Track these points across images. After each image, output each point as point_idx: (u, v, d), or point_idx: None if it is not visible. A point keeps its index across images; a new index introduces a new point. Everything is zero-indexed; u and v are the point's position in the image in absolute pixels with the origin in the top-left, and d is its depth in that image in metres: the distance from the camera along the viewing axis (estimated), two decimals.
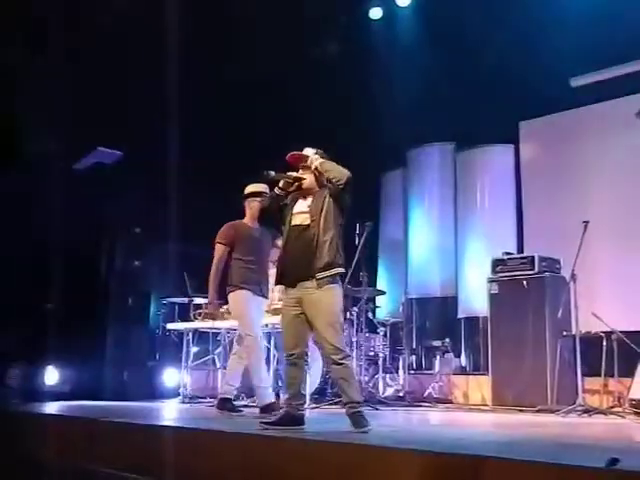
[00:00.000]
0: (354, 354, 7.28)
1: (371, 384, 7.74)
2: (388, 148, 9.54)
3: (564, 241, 7.00)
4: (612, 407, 6.43)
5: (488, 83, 8.32)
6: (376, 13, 9.23)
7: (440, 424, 5.86)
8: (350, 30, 8.98)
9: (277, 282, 4.55)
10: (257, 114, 8.70)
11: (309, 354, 7.24)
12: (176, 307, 8.33)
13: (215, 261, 5.89)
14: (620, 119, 8.09)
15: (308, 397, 6.85)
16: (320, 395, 7.32)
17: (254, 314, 5.78)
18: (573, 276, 6.48)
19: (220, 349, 7.37)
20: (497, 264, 7.41)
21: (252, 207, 5.91)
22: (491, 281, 7.40)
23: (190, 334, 7.54)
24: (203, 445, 4.01)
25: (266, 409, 5.45)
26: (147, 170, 7.46)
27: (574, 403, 6.30)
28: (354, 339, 7.62)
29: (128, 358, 8.22)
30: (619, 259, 7.68)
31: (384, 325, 8.08)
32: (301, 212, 4.46)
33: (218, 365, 7.45)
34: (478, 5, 7.98)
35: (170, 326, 7.95)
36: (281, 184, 4.55)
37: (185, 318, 7.82)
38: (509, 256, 7.46)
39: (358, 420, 4.16)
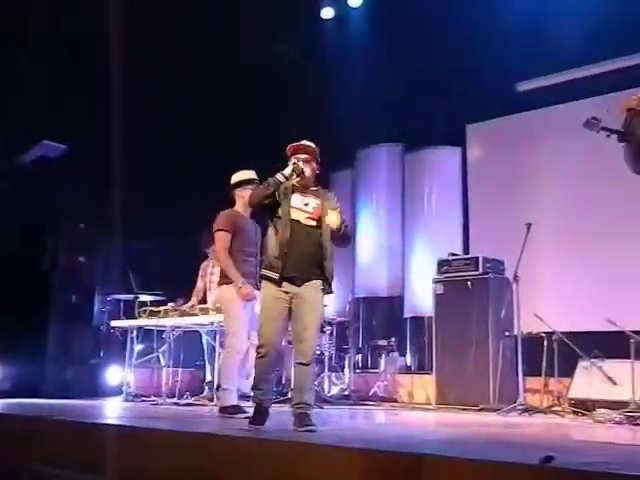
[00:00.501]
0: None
1: (316, 383, 7.75)
2: (337, 148, 9.55)
3: (508, 243, 7.11)
4: (552, 406, 6.56)
5: (437, 85, 8.43)
6: (328, 13, 9.26)
7: (383, 423, 5.90)
8: (301, 29, 8.98)
9: (272, 274, 4.28)
10: (205, 112, 8.64)
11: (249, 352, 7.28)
12: (121, 304, 8.21)
13: (221, 250, 5.56)
14: (564, 124, 8.26)
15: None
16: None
17: (243, 311, 5.48)
18: (516, 277, 6.61)
19: (165, 347, 7.29)
20: (442, 265, 7.51)
21: (244, 196, 5.50)
22: (436, 281, 7.49)
23: (134, 332, 7.45)
24: (144, 443, 3.97)
25: (225, 410, 5.30)
26: (92, 164, 7.35)
27: (515, 402, 6.43)
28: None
29: (71, 355, 8.07)
30: (561, 261, 7.85)
31: (330, 324, 8.10)
32: (301, 209, 4.32)
33: (163, 363, 7.37)
34: (428, 8, 8.06)
35: (114, 323, 7.84)
36: (287, 170, 4.36)
37: (130, 315, 7.72)
38: (454, 257, 7.57)
39: (304, 419, 4.12)
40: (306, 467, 3.28)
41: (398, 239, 9.48)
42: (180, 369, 7.58)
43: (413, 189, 9.45)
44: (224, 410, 5.31)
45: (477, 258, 7.29)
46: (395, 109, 8.69)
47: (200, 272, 7.72)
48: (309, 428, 4.02)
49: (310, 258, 4.25)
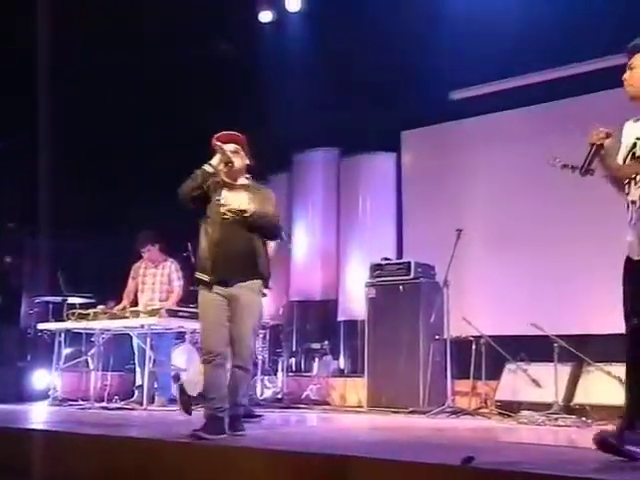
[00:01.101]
0: None
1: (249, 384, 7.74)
2: (274, 151, 9.57)
3: (440, 248, 7.23)
4: (479, 408, 6.71)
5: (373, 92, 8.51)
6: (266, 17, 9.25)
7: (314, 426, 5.93)
8: (239, 32, 8.96)
9: (203, 276, 4.16)
10: (140, 112, 8.54)
11: (186, 355, 7.23)
12: (50, 306, 8.03)
13: None
14: (496, 133, 8.49)
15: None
16: (196, 396, 7.25)
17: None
18: (445, 282, 6.75)
19: (94, 350, 7.17)
20: (375, 269, 7.60)
21: None
22: (369, 285, 7.58)
23: (62, 334, 7.30)
24: (69, 448, 3.91)
25: None
26: (22, 164, 7.19)
27: (444, 404, 6.55)
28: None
29: None
30: (489, 266, 8.01)
31: (264, 327, 8.09)
32: (230, 205, 4.14)
33: (91, 367, 7.24)
34: (366, 15, 8.14)
35: (42, 326, 7.66)
36: (214, 160, 4.18)
37: (59, 318, 7.56)
38: (387, 262, 7.66)
39: (236, 424, 4.09)
40: (235, 470, 3.28)
41: (333, 243, 9.54)
42: (109, 373, 7.47)
43: (348, 194, 9.52)
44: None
45: (409, 263, 7.41)
46: (331, 114, 8.74)
47: (132, 273, 7.63)
48: (241, 433, 4.01)
49: (242, 257, 4.10)
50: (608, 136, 3.52)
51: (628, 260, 3.49)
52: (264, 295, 4.38)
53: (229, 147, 4.24)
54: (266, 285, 4.32)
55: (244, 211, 4.08)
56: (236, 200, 4.13)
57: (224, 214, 4.11)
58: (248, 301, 4.10)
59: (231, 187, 4.23)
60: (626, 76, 3.57)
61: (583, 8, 7.02)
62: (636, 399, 3.49)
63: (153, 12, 7.96)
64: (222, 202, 4.13)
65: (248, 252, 4.11)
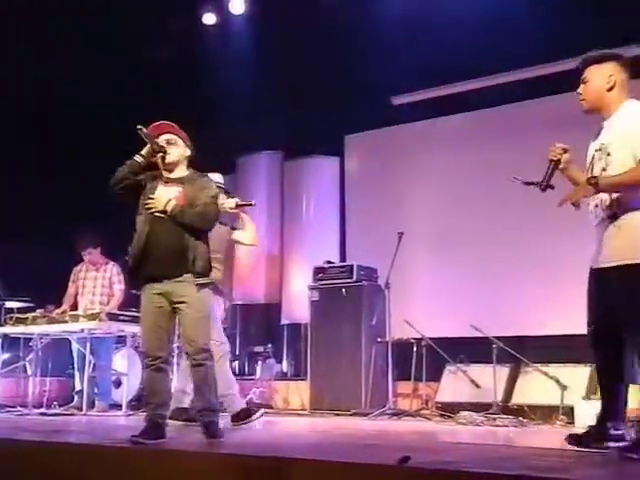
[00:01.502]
0: (175, 359, 7.20)
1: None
2: (218, 154, 9.53)
3: (382, 251, 7.30)
4: (420, 410, 6.80)
5: (317, 96, 8.55)
6: (209, 19, 9.20)
7: (255, 428, 5.90)
8: (181, 34, 8.89)
9: (135, 276, 4.05)
10: (77, 113, 8.42)
11: (127, 359, 7.14)
12: None
13: None
14: (437, 138, 8.63)
15: (125, 404, 6.73)
16: (138, 402, 7.18)
17: (214, 312, 5.18)
18: (387, 285, 6.83)
19: (32, 355, 7.03)
20: (318, 272, 7.65)
21: None
22: (312, 288, 7.61)
23: (0, 340, 7.15)
24: (5, 455, 3.82)
25: (238, 418, 5.18)
26: None
27: (385, 406, 6.62)
28: (175, 345, 7.53)
29: None
30: (431, 269, 8.13)
31: None
32: (153, 204, 3.97)
33: (29, 372, 7.10)
34: (309, 19, 8.18)
35: None
36: (144, 150, 4.02)
37: None
38: (330, 265, 7.72)
39: (216, 430, 3.86)
40: (175, 473, 3.26)
41: (276, 246, 9.55)
42: (48, 378, 7.35)
43: (292, 197, 9.55)
44: (236, 418, 5.15)
45: (352, 266, 7.48)
46: (275, 118, 8.75)
47: (72, 277, 7.52)
48: (216, 440, 3.78)
49: (172, 253, 3.91)
50: (565, 151, 3.63)
51: (590, 268, 3.58)
52: (214, 289, 4.23)
53: (165, 137, 4.09)
54: (204, 277, 4.02)
55: (164, 211, 3.93)
56: (165, 196, 3.96)
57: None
58: (185, 296, 3.91)
59: (167, 181, 4.07)
60: (580, 90, 3.63)
61: (524, 14, 7.20)
62: (604, 399, 3.56)
63: (97, 12, 7.86)
64: (152, 198, 3.98)
65: (178, 248, 3.92)
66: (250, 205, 5.87)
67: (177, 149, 4.12)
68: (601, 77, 3.53)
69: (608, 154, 3.48)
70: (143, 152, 4.03)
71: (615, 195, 3.40)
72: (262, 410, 5.30)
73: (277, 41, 8.51)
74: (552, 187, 3.54)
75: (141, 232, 3.97)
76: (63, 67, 7.99)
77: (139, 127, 3.97)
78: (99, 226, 7.65)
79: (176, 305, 3.94)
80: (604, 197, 3.46)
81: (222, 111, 8.63)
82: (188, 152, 4.19)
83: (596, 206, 3.52)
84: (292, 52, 8.42)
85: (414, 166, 8.74)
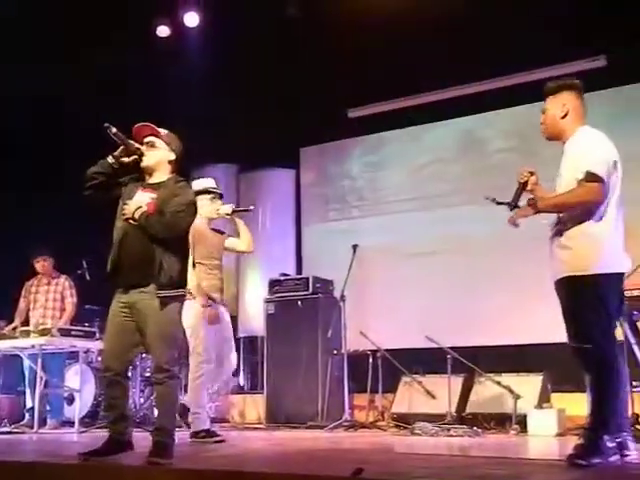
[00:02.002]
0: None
1: (146, 406, 7.58)
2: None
3: (338, 263, 7.32)
4: (376, 421, 6.82)
5: (273, 108, 8.56)
6: (163, 31, 9.13)
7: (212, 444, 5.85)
8: (136, 46, 8.82)
9: (111, 282, 3.87)
10: (36, 119, 8.32)
11: (79, 375, 7.02)
12: None
13: None
14: (392, 150, 8.72)
15: (77, 421, 6.61)
16: (91, 418, 7.08)
17: (206, 328, 5.29)
18: (343, 297, 6.85)
19: None
20: (274, 285, 7.63)
21: (201, 206, 5.09)
22: (268, 301, 7.59)
23: None
24: None
25: (197, 435, 5.22)
26: None
27: (341, 418, 6.62)
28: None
29: None
30: (386, 281, 8.18)
31: None
32: (124, 212, 3.80)
33: None
34: (264, 31, 8.19)
35: None
36: (118, 151, 3.81)
37: None
38: (285, 277, 7.71)
39: (159, 451, 3.57)
40: None
41: (232, 259, 9.49)
42: None
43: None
44: (195, 435, 5.19)
45: (307, 278, 7.49)
46: (230, 130, 8.74)
47: (23, 292, 7.40)
48: (156, 461, 3.47)
49: (142, 262, 3.72)
50: (532, 174, 3.84)
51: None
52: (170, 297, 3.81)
53: (147, 139, 3.90)
54: (171, 289, 3.76)
55: (132, 218, 3.76)
56: (137, 202, 3.79)
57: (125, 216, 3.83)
58: (147, 308, 3.70)
59: (145, 186, 3.88)
60: (541, 119, 3.87)
61: (477, 27, 7.33)
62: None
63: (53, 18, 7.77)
64: (126, 204, 3.81)
65: (144, 257, 3.72)
66: (247, 211, 5.93)
67: (156, 152, 3.90)
68: (556, 106, 3.79)
69: (560, 176, 3.73)
70: (116, 152, 3.83)
71: (561, 214, 3.65)
72: (222, 438, 5.26)
73: (232, 54, 8.50)
74: (519, 207, 3.75)
75: (115, 240, 3.84)
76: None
77: (106, 125, 3.76)
78: (52, 238, 7.54)
79: (138, 315, 3.75)
80: (553, 216, 3.69)
81: (176, 123, 8.55)
82: (171, 156, 3.95)
83: (549, 225, 3.73)
84: (247, 64, 8.43)
85: (368, 178, 8.82)
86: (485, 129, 8.29)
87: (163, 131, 4.00)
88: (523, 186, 3.84)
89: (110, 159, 3.83)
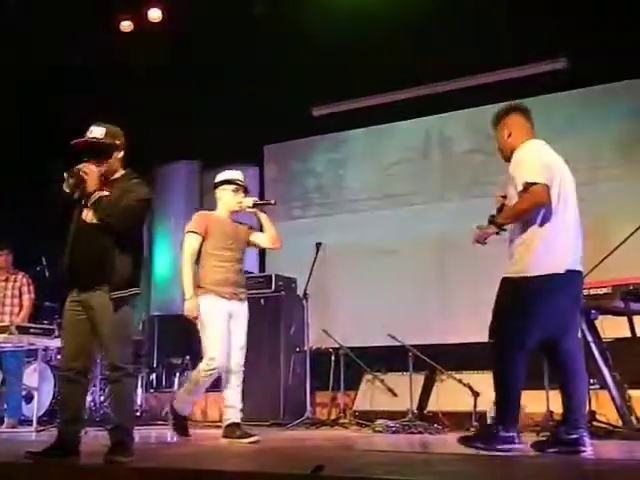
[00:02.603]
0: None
1: (106, 404, 7.50)
2: (135, 163, 9.37)
3: (301, 261, 7.32)
4: (337, 419, 6.82)
5: (237, 105, 8.52)
6: (126, 26, 9.04)
7: (170, 442, 5.82)
8: (99, 41, 8.72)
9: (64, 283, 3.87)
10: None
11: (38, 374, 6.92)
12: None
13: (185, 255, 5.02)
14: (356, 148, 8.75)
15: (35, 420, 6.52)
16: (50, 417, 6.98)
17: (221, 325, 5.00)
18: (305, 295, 6.86)
19: None
20: None
21: (222, 197, 5.25)
22: None
23: None
24: None
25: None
26: None
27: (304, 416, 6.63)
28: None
29: None
30: (349, 279, 8.22)
31: None
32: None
33: None
34: (229, 27, 8.15)
35: None
36: (69, 182, 3.77)
37: None
38: (248, 275, 7.65)
39: (118, 449, 3.56)
40: None
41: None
42: None
43: (212, 206, 9.42)
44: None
45: (270, 276, 7.46)
46: (194, 126, 8.69)
47: None
48: (116, 459, 3.47)
49: (96, 263, 3.73)
50: (504, 197, 4.12)
51: None
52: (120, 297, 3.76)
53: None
54: (122, 288, 3.73)
55: (89, 194, 3.73)
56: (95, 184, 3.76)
57: (80, 215, 3.82)
58: (98, 307, 3.71)
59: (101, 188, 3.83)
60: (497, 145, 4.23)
61: (443, 26, 7.39)
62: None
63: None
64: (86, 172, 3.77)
65: (96, 257, 3.74)
66: (269, 204, 5.59)
67: (93, 174, 3.77)
68: (501, 130, 4.16)
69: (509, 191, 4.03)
70: (69, 183, 3.77)
71: (512, 225, 4.01)
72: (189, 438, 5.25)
73: (196, 50, 8.46)
74: (505, 230, 4.05)
75: (68, 242, 3.84)
76: None
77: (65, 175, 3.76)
78: (10, 234, 7.41)
79: (90, 315, 3.75)
80: (511, 226, 4.02)
81: (139, 119, 8.48)
82: (120, 154, 3.94)
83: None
84: (212, 61, 8.39)
85: (332, 177, 8.84)
86: (450, 128, 8.36)
87: (100, 130, 3.91)
88: (500, 208, 4.12)
89: (67, 188, 3.77)
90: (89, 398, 6.94)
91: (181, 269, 5.06)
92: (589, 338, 5.24)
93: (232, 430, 4.99)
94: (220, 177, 5.31)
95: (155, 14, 8.72)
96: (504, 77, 7.78)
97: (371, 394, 6.86)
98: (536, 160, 3.89)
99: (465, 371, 6.55)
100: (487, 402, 6.04)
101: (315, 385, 7.05)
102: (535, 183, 3.77)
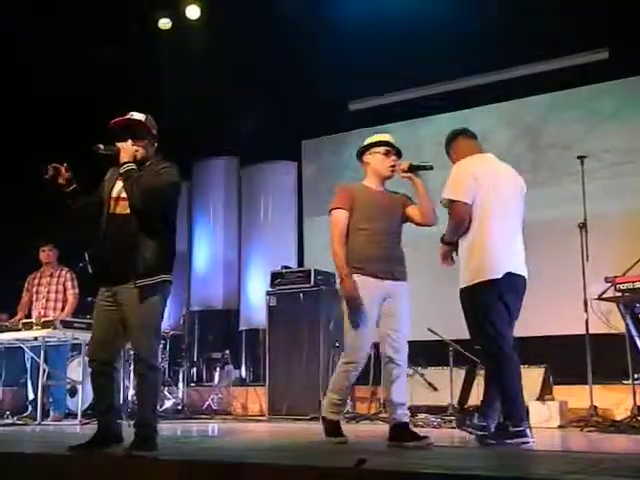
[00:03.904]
0: (131, 367, 7.12)
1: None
2: (174, 159, 9.45)
3: None
4: (377, 413, 6.81)
5: (275, 101, 8.56)
6: (165, 24, 9.13)
7: (212, 435, 5.88)
8: (139, 38, 8.81)
9: (95, 278, 3.92)
10: (37, 112, 8.32)
11: (82, 367, 7.03)
12: None
13: (334, 235, 4.43)
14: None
15: (80, 413, 6.63)
16: (94, 410, 7.07)
17: (370, 308, 4.44)
18: None
19: None
20: (276, 277, 7.62)
21: (369, 161, 4.47)
22: (269, 294, 7.59)
23: None
24: None
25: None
26: None
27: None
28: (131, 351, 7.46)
29: None
30: None
31: (164, 337, 7.99)
32: (119, 198, 3.78)
33: None
34: (267, 25, 8.18)
35: None
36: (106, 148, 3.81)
37: None
38: (287, 270, 7.70)
39: (141, 443, 3.55)
40: None
41: (234, 252, 9.52)
42: (1, 388, 7.22)
43: (250, 202, 9.53)
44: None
45: (309, 271, 7.46)
46: (232, 122, 8.74)
47: (26, 285, 7.42)
48: (139, 453, 3.45)
49: (123, 252, 3.70)
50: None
51: None
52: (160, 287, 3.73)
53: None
54: (149, 277, 3.69)
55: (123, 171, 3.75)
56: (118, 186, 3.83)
57: (109, 207, 3.82)
58: (127, 300, 3.68)
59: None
60: None
61: (477, 21, 7.31)
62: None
63: (50, 13, 7.77)
64: (113, 196, 3.83)
65: (130, 246, 3.70)
66: (427, 168, 4.41)
67: (129, 147, 3.82)
68: (451, 154, 4.66)
69: None
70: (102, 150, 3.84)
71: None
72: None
73: (234, 47, 8.50)
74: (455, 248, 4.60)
75: (98, 234, 3.83)
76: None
77: (95, 147, 3.80)
78: (53, 235, 7.53)
79: (121, 308, 3.73)
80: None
81: (178, 116, 8.56)
82: (145, 146, 3.90)
83: None
84: (249, 57, 8.42)
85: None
86: (486, 121, 8.28)
87: (141, 114, 3.93)
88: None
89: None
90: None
91: (332, 249, 4.50)
92: (634, 332, 5.16)
93: (403, 433, 4.28)
94: (368, 140, 4.55)
95: (193, 11, 8.80)
96: (541, 69, 7.70)
97: (411, 388, 6.81)
98: (461, 177, 4.27)
99: None
100: (528, 397, 5.99)
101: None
102: (454, 201, 4.25)
